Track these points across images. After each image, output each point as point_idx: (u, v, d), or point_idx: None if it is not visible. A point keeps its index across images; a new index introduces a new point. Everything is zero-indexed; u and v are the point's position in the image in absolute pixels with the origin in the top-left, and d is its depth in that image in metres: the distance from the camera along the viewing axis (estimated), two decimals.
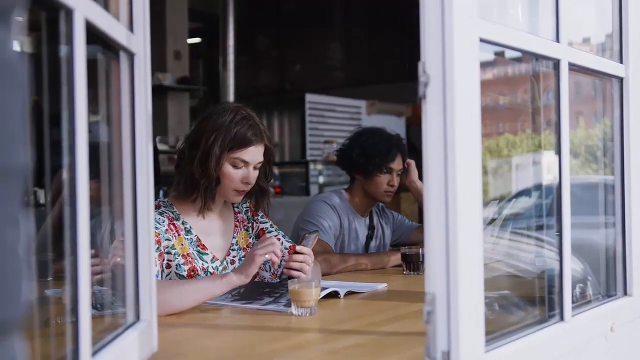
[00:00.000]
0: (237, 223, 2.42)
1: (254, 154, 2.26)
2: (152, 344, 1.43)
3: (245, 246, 2.41)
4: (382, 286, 2.40)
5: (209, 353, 1.65)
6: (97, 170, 1.33)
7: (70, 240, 1.02)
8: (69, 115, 1.03)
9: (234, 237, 2.39)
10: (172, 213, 2.26)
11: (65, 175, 1.02)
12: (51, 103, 1.06)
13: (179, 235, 2.23)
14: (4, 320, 0.56)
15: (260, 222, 2.47)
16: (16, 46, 0.60)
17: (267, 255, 2.00)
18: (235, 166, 2.24)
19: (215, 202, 2.32)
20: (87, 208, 1.04)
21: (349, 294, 2.23)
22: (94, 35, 1.13)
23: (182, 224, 2.27)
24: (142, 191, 1.40)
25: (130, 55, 1.37)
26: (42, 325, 1.25)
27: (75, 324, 1.02)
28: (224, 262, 2.32)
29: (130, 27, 1.37)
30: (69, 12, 1.01)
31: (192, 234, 2.27)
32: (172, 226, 2.21)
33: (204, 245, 2.28)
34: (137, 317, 1.39)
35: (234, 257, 2.36)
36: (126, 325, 1.36)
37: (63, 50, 1.03)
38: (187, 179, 2.25)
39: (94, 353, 1.11)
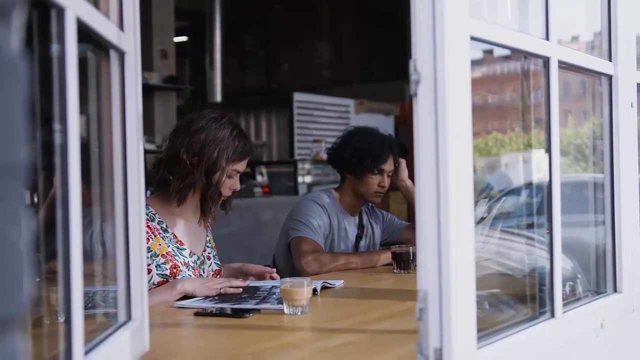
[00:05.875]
0: (208, 224, 2.55)
1: (245, 163, 2.43)
2: (143, 344, 1.43)
3: (213, 246, 2.56)
4: (339, 283, 2.44)
5: (201, 353, 1.64)
6: (87, 170, 1.32)
7: (62, 240, 1.01)
8: (60, 115, 1.02)
9: (207, 236, 2.52)
10: (147, 214, 2.31)
11: (57, 175, 1.02)
12: (41, 102, 1.05)
13: (155, 236, 2.30)
14: (6, 316, 0.56)
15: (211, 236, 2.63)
16: (16, 45, 0.60)
17: (221, 290, 2.18)
18: (229, 176, 2.37)
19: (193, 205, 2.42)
20: (79, 207, 1.03)
21: (324, 288, 2.30)
22: (84, 34, 1.13)
23: (158, 223, 2.34)
24: (133, 191, 1.39)
25: (121, 54, 1.36)
26: (31, 325, 1.24)
27: (68, 324, 1.01)
28: (202, 257, 2.44)
29: (121, 26, 1.37)
30: (61, 11, 1.00)
31: (169, 232, 2.35)
32: (146, 228, 2.24)
33: (181, 241, 2.38)
34: (129, 317, 1.38)
35: (209, 253, 2.50)
36: (118, 324, 1.35)
37: (54, 48, 1.03)
38: (187, 187, 2.33)
39: (86, 352, 1.10)
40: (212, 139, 2.31)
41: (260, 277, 2.48)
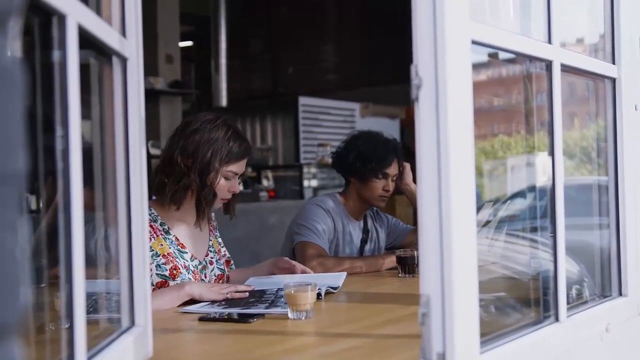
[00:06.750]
0: (211, 228, 2.55)
1: (243, 165, 2.41)
2: (147, 349, 1.43)
3: (217, 250, 2.54)
4: (343, 276, 2.48)
5: (204, 358, 1.64)
6: (90, 176, 1.33)
7: (64, 246, 1.02)
8: (62, 121, 1.03)
9: (210, 240, 2.52)
10: (150, 215, 2.31)
11: (59, 181, 1.02)
12: (43, 108, 1.06)
13: (157, 236, 2.32)
14: (3, 323, 0.56)
15: (219, 238, 2.61)
16: (13, 52, 0.60)
17: (228, 295, 2.17)
18: (226, 178, 2.37)
19: (193, 209, 2.41)
20: (81, 213, 1.03)
21: (328, 293, 2.29)
22: (86, 40, 1.13)
23: (161, 225, 2.35)
24: (136, 196, 1.39)
25: (123, 60, 1.37)
26: (36, 330, 1.24)
27: (71, 330, 1.01)
28: (203, 262, 2.44)
29: (123, 32, 1.37)
30: (62, 18, 1.01)
31: (170, 234, 2.36)
32: (149, 228, 2.25)
33: (182, 244, 2.38)
34: (132, 322, 1.39)
35: (211, 258, 2.49)
36: (121, 330, 1.35)
37: (55, 55, 1.03)
38: (182, 189, 2.32)
39: (89, 358, 1.10)
40: (206, 139, 2.31)
41: (291, 271, 2.50)
